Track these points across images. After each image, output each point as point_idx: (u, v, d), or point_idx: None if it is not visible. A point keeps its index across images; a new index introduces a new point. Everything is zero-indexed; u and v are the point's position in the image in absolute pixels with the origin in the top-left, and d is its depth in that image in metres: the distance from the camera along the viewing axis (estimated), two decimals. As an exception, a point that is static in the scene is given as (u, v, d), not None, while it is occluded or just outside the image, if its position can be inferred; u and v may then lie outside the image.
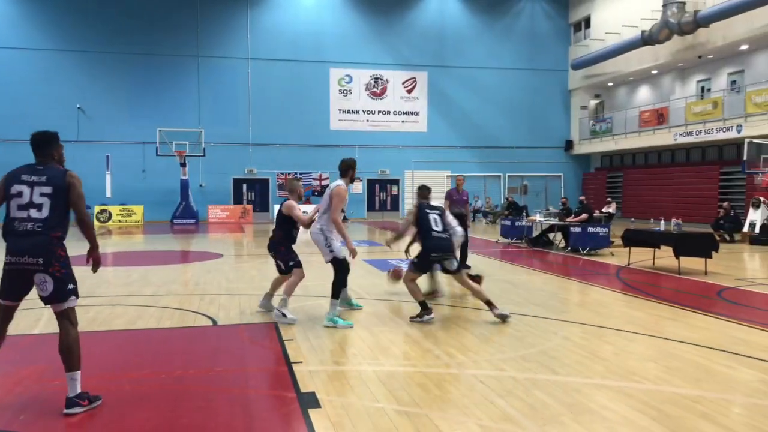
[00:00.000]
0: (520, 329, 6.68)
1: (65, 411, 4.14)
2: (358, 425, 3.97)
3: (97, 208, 26.68)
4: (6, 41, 27.53)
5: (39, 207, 4.15)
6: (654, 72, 27.91)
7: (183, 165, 26.90)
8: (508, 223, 18.08)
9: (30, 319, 6.97)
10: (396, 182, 32.05)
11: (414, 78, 31.91)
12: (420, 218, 7.40)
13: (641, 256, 12.72)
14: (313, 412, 4.17)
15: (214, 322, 7.04)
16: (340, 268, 6.86)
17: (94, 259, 4.44)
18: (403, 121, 32.02)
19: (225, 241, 19.38)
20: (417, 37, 31.53)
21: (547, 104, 32.77)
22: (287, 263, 7.24)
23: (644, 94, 29.53)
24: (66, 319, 4.29)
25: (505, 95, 32.21)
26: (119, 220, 26.88)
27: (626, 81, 30.16)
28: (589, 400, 4.45)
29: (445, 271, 7.34)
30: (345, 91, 31.41)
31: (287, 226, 7.32)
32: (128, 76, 28.83)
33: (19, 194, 4.16)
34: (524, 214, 21.35)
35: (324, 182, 30.74)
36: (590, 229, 14.32)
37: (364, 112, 31.66)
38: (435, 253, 7.23)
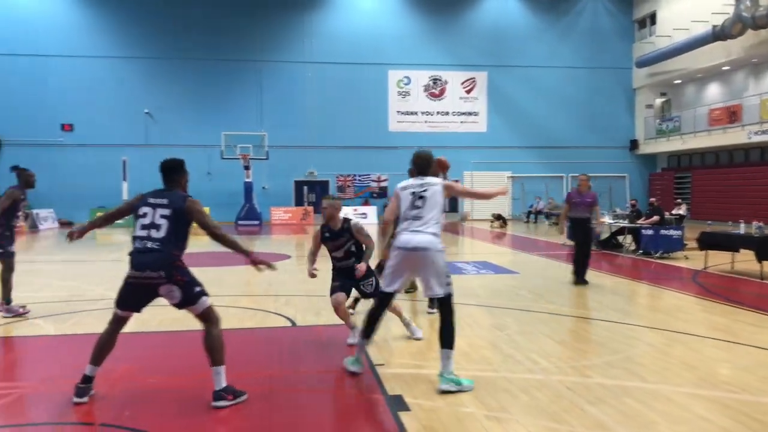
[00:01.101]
0: (601, 335, 6.57)
1: (213, 404, 4.38)
2: (450, 429, 3.99)
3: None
4: (77, 50, 28.73)
5: (158, 227, 4.44)
6: (725, 68, 26.89)
7: (247, 168, 27.49)
8: (574, 224, 17.69)
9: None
10: (455, 182, 31.85)
11: (473, 78, 31.72)
12: None
13: (718, 260, 12.29)
14: (403, 415, 4.21)
15: (293, 323, 7.19)
16: (451, 303, 4.96)
17: (257, 262, 4.66)
18: (462, 122, 31.87)
19: (290, 242, 19.71)
20: (476, 37, 31.34)
21: (610, 103, 32.03)
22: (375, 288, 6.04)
23: (714, 92, 28.49)
24: (205, 320, 4.58)
25: (566, 94, 31.66)
26: (186, 222, 27.68)
27: (695, 78, 29.17)
28: (684, 409, 4.34)
29: None
30: (403, 93, 31.49)
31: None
32: (193, 82, 29.68)
33: (144, 215, 4.50)
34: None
35: (382, 184, 30.87)
36: (663, 232, 13.93)
37: (422, 113, 31.67)
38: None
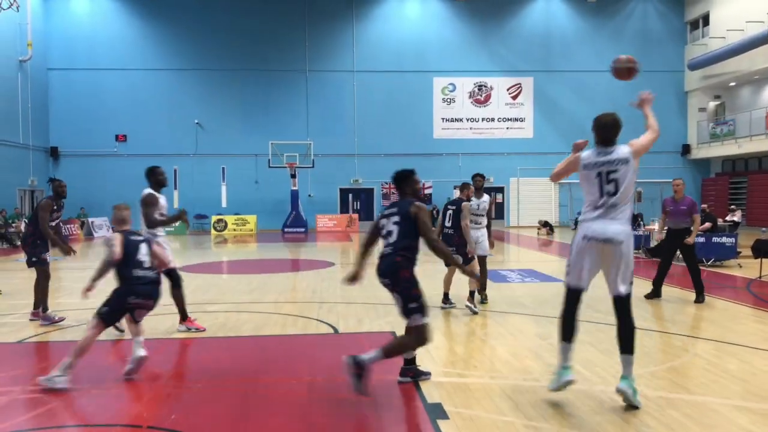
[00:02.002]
0: (647, 345, 6.43)
1: (351, 358, 4.60)
2: (488, 438, 3.99)
3: (213, 218, 28.28)
4: (131, 63, 29.74)
5: (391, 233, 4.92)
6: (783, 69, 25.99)
7: (293, 176, 27.91)
8: (622, 232, 17.35)
9: (167, 324, 7.49)
10: (501, 190, 31.65)
11: (519, 84, 31.46)
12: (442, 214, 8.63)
13: (774, 268, 11.88)
14: (441, 423, 4.23)
15: (335, 329, 7.28)
16: (631, 303, 4.64)
17: (466, 272, 5.08)
18: (507, 128, 31.63)
19: (334, 249, 19.90)
20: (522, 43, 31.10)
21: (661, 107, 31.02)
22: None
23: (771, 94, 27.54)
24: (409, 333, 4.85)
25: (615, 98, 30.62)
26: (234, 229, 28.27)
27: (751, 80, 28.24)
28: (729, 422, 4.23)
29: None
30: (448, 100, 31.46)
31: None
32: (242, 92, 30.33)
33: (383, 227, 5.03)
34: (639, 222, 20.49)
35: (427, 191, 30.82)
36: (715, 239, 13.52)
37: (467, 119, 31.56)
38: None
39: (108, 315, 5.19)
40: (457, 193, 9.11)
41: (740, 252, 13.48)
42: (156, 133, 29.66)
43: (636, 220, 21.33)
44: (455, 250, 8.25)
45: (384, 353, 4.69)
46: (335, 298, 9.57)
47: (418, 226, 4.85)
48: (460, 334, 7.10)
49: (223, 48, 30.00)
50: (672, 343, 6.51)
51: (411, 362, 5.16)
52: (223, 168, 28.29)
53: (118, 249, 5.25)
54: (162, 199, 7.13)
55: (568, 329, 4.69)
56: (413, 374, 5.15)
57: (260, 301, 9.26)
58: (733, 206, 23.27)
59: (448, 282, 8.52)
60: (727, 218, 19.88)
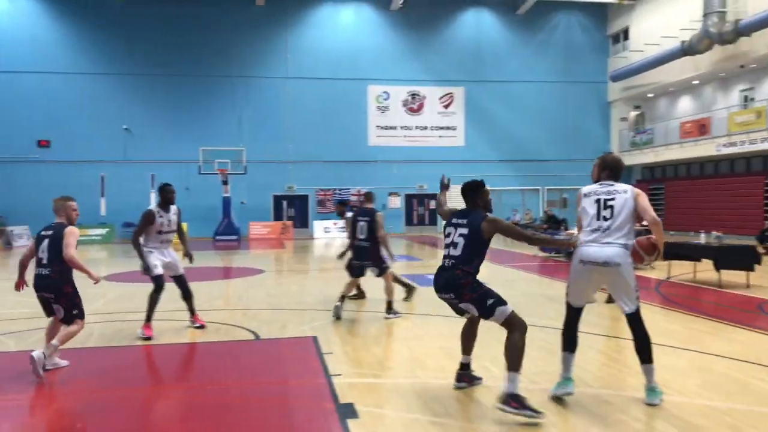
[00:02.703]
0: (554, 343, 6.71)
1: (497, 405, 4.43)
2: (393, 435, 4.15)
3: (143, 226, 27.55)
4: (55, 66, 28.70)
5: (456, 246, 4.77)
6: (695, 82, 27.52)
7: (225, 183, 27.56)
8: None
9: (83, 334, 7.33)
10: (434, 197, 32.13)
11: (451, 93, 32.12)
12: (351, 226, 8.75)
13: (681, 270, 12.59)
14: (351, 422, 4.36)
15: (257, 336, 7.31)
16: (641, 318, 4.85)
17: (561, 244, 5.04)
18: (440, 136, 32.22)
19: (266, 257, 19.79)
20: (454, 53, 31.79)
21: (585, 116, 32.59)
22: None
23: (686, 105, 29.10)
24: (507, 327, 4.65)
25: (542, 108, 32.16)
26: (164, 237, 27.63)
27: (667, 92, 29.79)
28: (620, 411, 4.55)
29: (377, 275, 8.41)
30: (382, 108, 31.80)
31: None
32: (172, 97, 29.76)
33: (448, 235, 4.90)
34: (563, 227, 21.27)
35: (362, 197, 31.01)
36: (629, 243, 14.19)
37: (401, 127, 31.97)
38: (355, 260, 8.55)
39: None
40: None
41: (653, 255, 14.20)
42: (82, 138, 28.71)
43: (560, 225, 22.14)
44: (371, 263, 8.36)
45: (509, 368, 4.49)
46: (261, 305, 9.59)
47: (505, 234, 4.82)
48: (379, 337, 7.26)
49: (151, 52, 29.39)
50: (580, 341, 6.84)
51: (464, 367, 5.18)
52: (153, 175, 27.59)
53: (28, 248, 5.97)
54: (166, 217, 7.60)
55: (569, 340, 4.98)
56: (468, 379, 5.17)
57: (184, 309, 9.13)
58: (650, 212, 24.41)
59: (350, 286, 8.68)
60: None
